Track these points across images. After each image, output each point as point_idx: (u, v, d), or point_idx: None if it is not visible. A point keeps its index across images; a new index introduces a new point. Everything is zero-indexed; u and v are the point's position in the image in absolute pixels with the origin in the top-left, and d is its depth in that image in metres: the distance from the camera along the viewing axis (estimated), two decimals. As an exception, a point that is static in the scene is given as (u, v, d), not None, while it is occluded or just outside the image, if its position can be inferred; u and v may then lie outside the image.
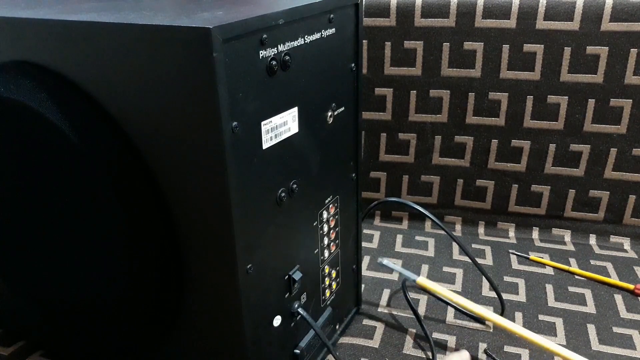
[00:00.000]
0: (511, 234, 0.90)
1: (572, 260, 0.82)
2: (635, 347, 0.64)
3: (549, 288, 0.76)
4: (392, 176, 0.93)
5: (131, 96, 0.43)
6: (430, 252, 0.85)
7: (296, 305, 0.54)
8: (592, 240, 0.87)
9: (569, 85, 0.82)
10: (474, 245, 0.87)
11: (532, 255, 0.83)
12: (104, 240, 0.47)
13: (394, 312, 0.71)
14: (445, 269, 0.81)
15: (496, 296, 0.73)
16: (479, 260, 0.80)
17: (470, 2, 0.81)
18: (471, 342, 0.65)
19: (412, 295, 0.74)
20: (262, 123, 0.44)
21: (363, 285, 0.75)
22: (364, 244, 0.85)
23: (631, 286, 0.75)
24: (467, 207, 0.92)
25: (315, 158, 0.53)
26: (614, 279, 0.77)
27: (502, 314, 0.67)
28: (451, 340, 0.65)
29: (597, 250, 0.85)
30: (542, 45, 0.80)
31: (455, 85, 0.85)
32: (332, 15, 0.50)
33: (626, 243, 0.86)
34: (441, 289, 0.65)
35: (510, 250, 0.85)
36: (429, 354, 0.63)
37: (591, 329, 0.68)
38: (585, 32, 0.79)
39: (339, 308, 0.65)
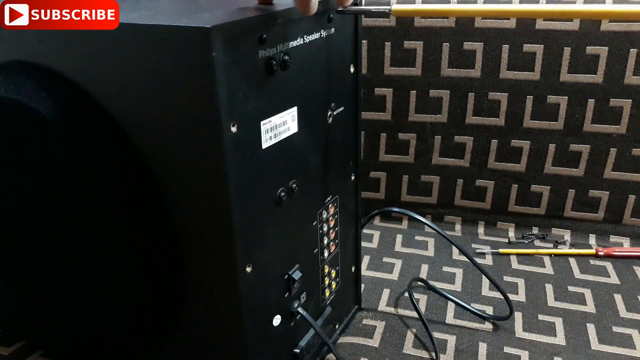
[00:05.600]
0: (511, 233, 0.90)
1: (572, 260, 0.82)
2: (635, 346, 0.64)
3: (549, 287, 0.76)
4: (392, 176, 0.93)
5: (131, 96, 0.43)
6: (430, 252, 0.85)
7: (296, 305, 0.54)
8: (592, 240, 0.87)
9: (568, 85, 0.82)
10: (473, 245, 0.87)
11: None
12: (103, 239, 0.47)
13: (394, 312, 0.71)
14: (445, 268, 0.81)
15: (496, 296, 0.73)
16: (479, 260, 0.80)
17: (470, 3, 0.81)
18: (471, 342, 0.65)
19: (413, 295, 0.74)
20: (262, 123, 0.44)
21: (363, 285, 0.75)
22: (363, 244, 0.85)
23: (592, 251, 0.81)
24: (467, 207, 0.92)
25: (314, 158, 0.53)
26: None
27: (509, 316, 0.67)
28: (451, 340, 0.65)
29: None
30: (542, 45, 0.80)
31: (455, 86, 0.85)
32: (331, 15, 0.50)
33: (626, 243, 0.86)
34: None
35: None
36: (429, 353, 0.64)
37: (591, 328, 0.68)
38: (585, 32, 0.79)
39: (339, 307, 0.65)
